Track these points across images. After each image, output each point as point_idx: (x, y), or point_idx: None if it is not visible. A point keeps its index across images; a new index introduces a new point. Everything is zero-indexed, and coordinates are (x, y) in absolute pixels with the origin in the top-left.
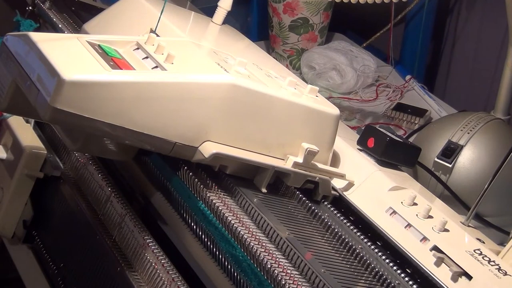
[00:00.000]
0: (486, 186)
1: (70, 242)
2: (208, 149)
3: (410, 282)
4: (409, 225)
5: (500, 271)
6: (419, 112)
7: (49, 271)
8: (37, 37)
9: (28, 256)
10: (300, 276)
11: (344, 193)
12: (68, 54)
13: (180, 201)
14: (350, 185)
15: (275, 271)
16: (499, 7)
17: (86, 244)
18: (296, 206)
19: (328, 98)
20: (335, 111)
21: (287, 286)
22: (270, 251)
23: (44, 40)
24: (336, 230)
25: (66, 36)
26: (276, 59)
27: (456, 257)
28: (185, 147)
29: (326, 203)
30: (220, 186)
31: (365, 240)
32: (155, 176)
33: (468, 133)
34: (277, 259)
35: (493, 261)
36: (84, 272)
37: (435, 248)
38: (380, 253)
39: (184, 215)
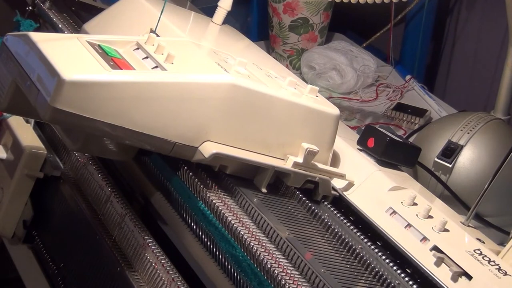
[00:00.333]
0: (486, 186)
1: (70, 242)
2: (208, 149)
3: (410, 282)
4: (409, 225)
5: (500, 271)
6: (419, 112)
7: (49, 271)
8: (37, 37)
9: (28, 256)
10: (300, 276)
11: (344, 193)
12: (68, 54)
13: (180, 201)
14: (350, 185)
15: (275, 271)
16: (499, 7)
17: (86, 244)
18: (296, 206)
19: (328, 98)
20: (335, 111)
21: (287, 286)
22: (270, 251)
23: (44, 40)
24: (336, 230)
25: (66, 36)
26: (276, 59)
27: (456, 257)
28: (185, 147)
29: (326, 203)
30: (220, 186)
31: (365, 240)
32: (155, 176)
33: (468, 133)
34: (277, 259)
35: (493, 261)
36: (84, 272)
37: (435, 248)
38: (380, 253)
39: (184, 215)
